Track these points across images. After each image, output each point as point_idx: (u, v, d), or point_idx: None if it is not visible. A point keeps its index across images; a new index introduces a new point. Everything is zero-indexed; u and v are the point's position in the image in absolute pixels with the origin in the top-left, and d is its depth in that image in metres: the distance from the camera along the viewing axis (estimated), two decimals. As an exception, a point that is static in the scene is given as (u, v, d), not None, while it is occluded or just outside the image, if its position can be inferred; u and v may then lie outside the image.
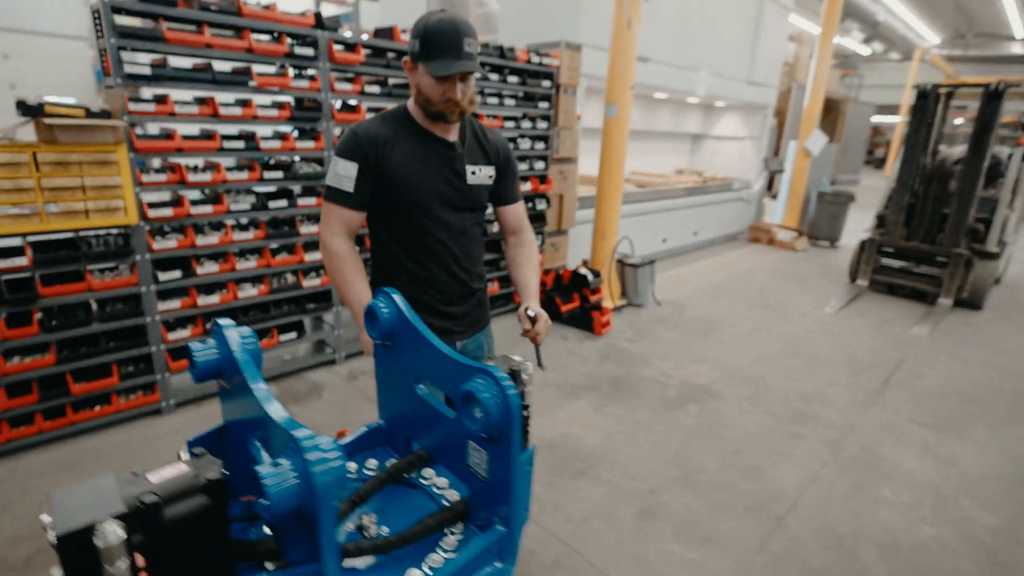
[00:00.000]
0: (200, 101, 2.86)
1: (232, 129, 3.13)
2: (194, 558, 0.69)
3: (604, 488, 2.53)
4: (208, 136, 2.94)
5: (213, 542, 0.70)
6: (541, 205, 4.73)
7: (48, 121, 2.29)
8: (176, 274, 2.92)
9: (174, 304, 2.95)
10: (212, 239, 2.99)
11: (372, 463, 1.11)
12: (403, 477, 1.07)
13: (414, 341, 1.03)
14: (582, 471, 2.65)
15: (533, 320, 1.56)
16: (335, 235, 1.50)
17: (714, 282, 6.15)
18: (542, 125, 4.54)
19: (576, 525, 2.28)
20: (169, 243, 2.85)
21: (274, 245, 3.27)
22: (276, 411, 0.73)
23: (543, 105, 4.51)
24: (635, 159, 7.67)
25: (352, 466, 1.09)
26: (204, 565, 0.69)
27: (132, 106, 2.58)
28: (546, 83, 4.44)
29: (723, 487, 2.57)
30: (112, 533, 0.61)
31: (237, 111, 2.92)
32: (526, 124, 4.41)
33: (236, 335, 0.88)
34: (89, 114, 2.40)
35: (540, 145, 4.61)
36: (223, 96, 2.94)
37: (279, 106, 3.10)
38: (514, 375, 1.04)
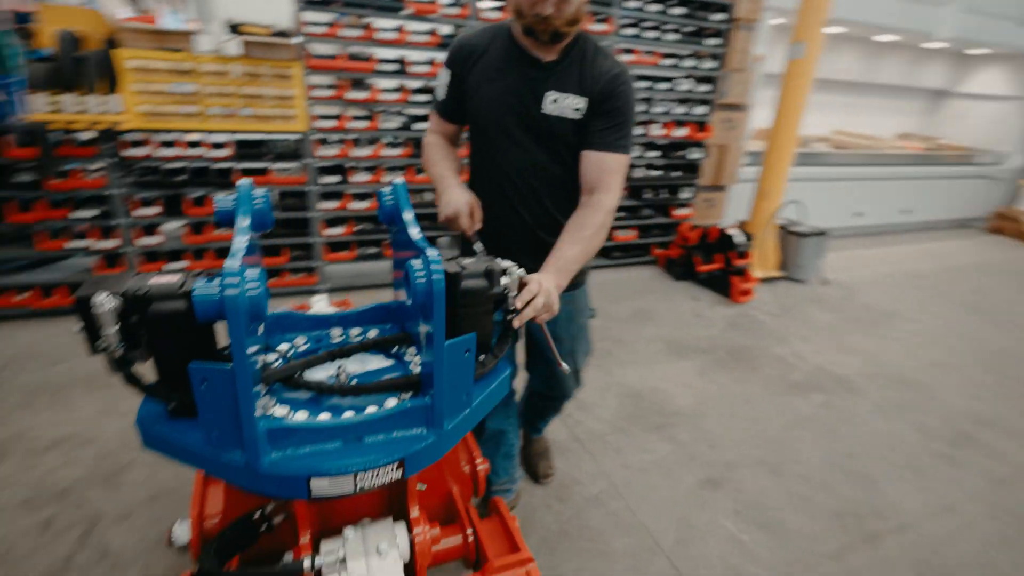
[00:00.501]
0: (361, 27, 3.18)
1: (389, 54, 3.43)
2: (173, 345, 0.86)
3: (675, 447, 2.40)
4: (365, 58, 3.27)
5: (187, 336, 0.86)
6: (696, 154, 4.35)
7: (243, 38, 2.77)
8: (335, 179, 3.39)
9: (331, 205, 3.45)
10: (365, 151, 3.38)
11: (373, 333, 1.23)
12: (390, 350, 1.17)
13: (402, 228, 1.09)
14: (659, 426, 2.54)
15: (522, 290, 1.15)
16: (429, 133, 1.57)
17: (913, 271, 5.10)
18: (709, 65, 4.10)
19: (632, 472, 2.23)
20: (330, 151, 3.31)
21: (418, 163, 3.58)
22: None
23: (712, 42, 4.05)
24: (843, 115, 6.53)
25: (355, 331, 1.23)
26: (181, 352, 0.86)
27: (305, 28, 2.99)
28: (719, 16, 3.96)
29: (816, 484, 2.25)
30: (101, 304, 0.81)
31: (393, 36, 3.19)
32: (689, 63, 4.03)
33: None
34: (273, 33, 2.84)
35: (704, 87, 4.19)
36: (382, 22, 3.22)
37: (430, 33, 3.30)
38: (490, 274, 1.05)
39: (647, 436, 2.47)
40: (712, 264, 4.22)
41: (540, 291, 1.15)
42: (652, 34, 3.86)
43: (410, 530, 0.99)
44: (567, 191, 1.45)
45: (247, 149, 3.16)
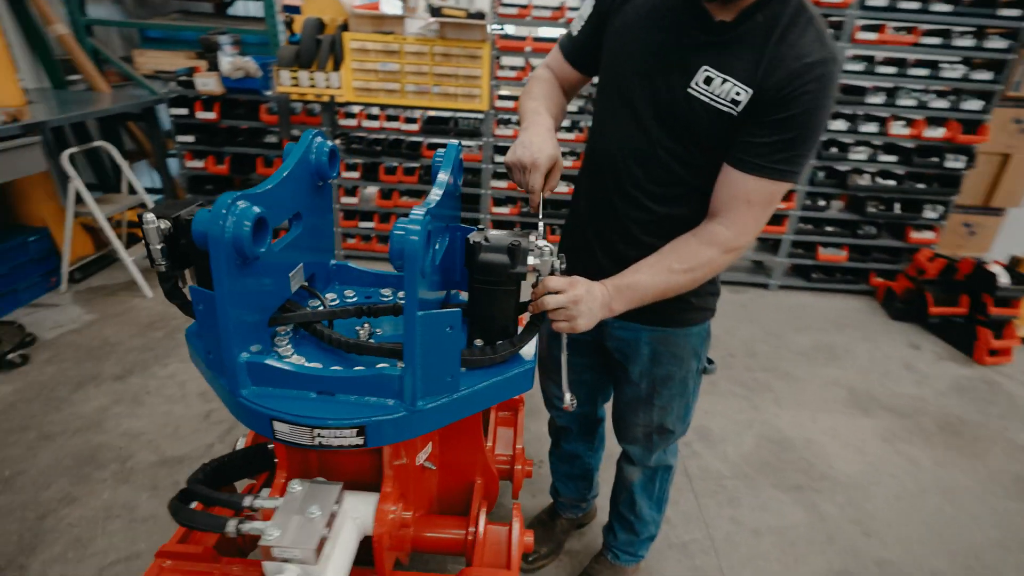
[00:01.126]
0: (555, 8, 3.15)
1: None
2: (206, 270, 0.95)
3: (813, 519, 1.92)
4: (554, 40, 3.24)
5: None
6: (956, 163, 3.35)
7: (442, 20, 2.98)
8: (508, 160, 3.49)
9: (502, 184, 3.56)
10: (539, 135, 3.39)
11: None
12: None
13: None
14: (798, 487, 2.06)
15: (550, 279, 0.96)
16: (541, 67, 1.26)
17: None
18: (996, 45, 3.09)
19: (741, 531, 1.85)
20: (509, 131, 3.40)
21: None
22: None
23: (1011, 13, 3.03)
24: None
25: (387, 291, 1.23)
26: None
27: (500, 9, 3.08)
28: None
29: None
30: (149, 223, 0.93)
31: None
32: (965, 42, 3.09)
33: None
34: (468, 15, 3.00)
35: (983, 75, 3.18)
36: (573, 1, 3.16)
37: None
38: (513, 250, 0.93)
39: (777, 494, 2.02)
40: (953, 307, 3.25)
41: (568, 290, 0.94)
42: (912, 3, 3.05)
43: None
44: (689, 203, 1.07)
45: (434, 125, 3.43)
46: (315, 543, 0.77)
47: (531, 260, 0.96)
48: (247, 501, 0.86)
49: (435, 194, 0.94)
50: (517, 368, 0.99)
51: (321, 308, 1.08)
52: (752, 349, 3.01)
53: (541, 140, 1.06)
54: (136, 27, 4.06)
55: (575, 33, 1.17)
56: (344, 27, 3.20)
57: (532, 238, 0.98)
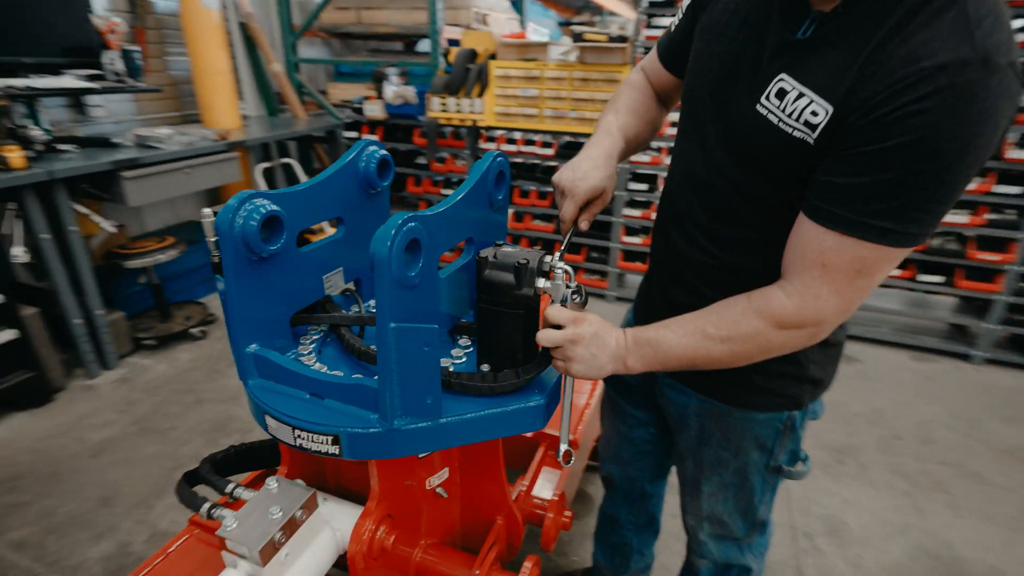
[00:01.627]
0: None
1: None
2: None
3: None
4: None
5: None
6: None
7: (583, 45, 2.96)
8: (643, 187, 3.30)
9: (635, 212, 3.38)
10: (679, 161, 3.15)
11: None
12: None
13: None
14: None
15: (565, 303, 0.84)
16: (635, 70, 1.11)
17: None
18: None
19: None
20: (643, 158, 3.22)
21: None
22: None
23: None
24: None
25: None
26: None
27: (645, 31, 2.95)
28: None
29: None
30: (206, 217, 1.02)
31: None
32: None
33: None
34: (610, 39, 2.93)
35: None
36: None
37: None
38: (520, 270, 0.83)
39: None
40: None
41: (570, 327, 0.81)
42: None
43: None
44: (761, 255, 0.82)
45: (569, 150, 3.40)
46: (262, 543, 0.75)
47: (540, 283, 0.85)
48: (229, 488, 0.87)
49: (444, 202, 0.88)
50: (519, 403, 0.88)
51: (352, 313, 1.08)
52: (929, 434, 2.38)
53: (591, 166, 0.96)
54: (332, 63, 4.76)
55: (672, 29, 1.00)
56: (493, 56, 3.36)
57: (550, 259, 0.87)
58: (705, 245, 0.90)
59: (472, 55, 3.42)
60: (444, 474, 1.08)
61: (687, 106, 0.93)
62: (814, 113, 0.69)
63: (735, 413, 0.96)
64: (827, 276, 0.71)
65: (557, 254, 0.90)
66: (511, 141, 3.49)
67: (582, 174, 0.94)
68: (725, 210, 0.86)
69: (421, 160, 3.84)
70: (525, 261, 0.83)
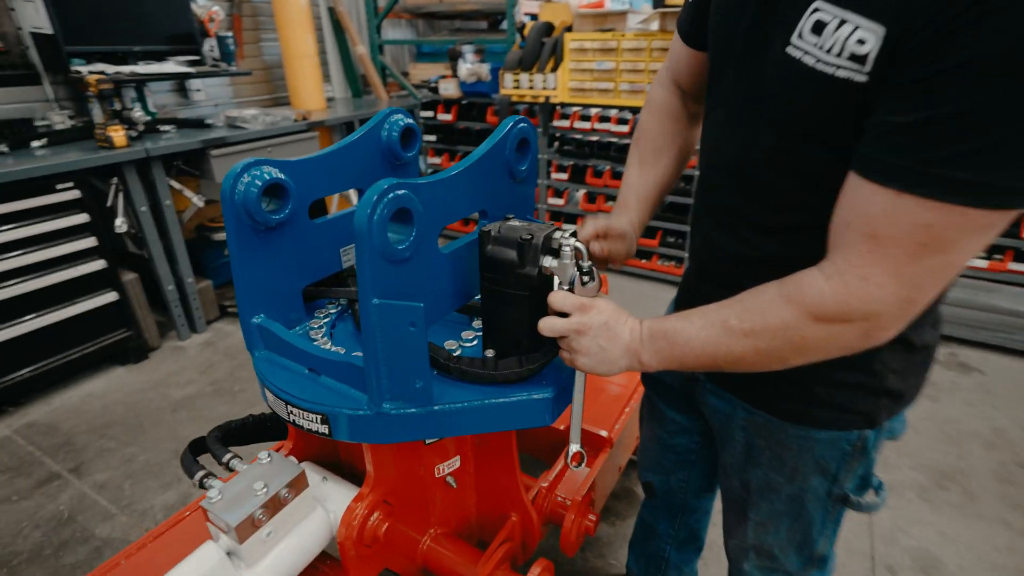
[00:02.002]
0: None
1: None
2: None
3: None
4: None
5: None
6: None
7: (664, 10, 2.73)
8: (727, 167, 3.02)
9: (717, 196, 3.11)
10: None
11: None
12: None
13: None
14: None
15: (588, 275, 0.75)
16: (653, 86, 1.00)
17: None
18: None
19: None
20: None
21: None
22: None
23: None
24: None
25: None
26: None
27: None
28: None
29: None
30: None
31: None
32: None
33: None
34: (695, 2, 2.67)
35: None
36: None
37: None
38: (523, 246, 0.74)
39: None
40: None
41: (576, 314, 0.72)
42: None
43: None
44: (815, 243, 0.64)
45: (648, 127, 3.19)
46: (239, 519, 0.73)
47: (546, 262, 0.75)
48: (226, 457, 0.87)
49: (448, 170, 0.80)
50: (523, 394, 0.80)
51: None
52: (1064, 463, 1.99)
53: (617, 221, 0.93)
54: (414, 43, 4.81)
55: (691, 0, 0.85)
56: (569, 29, 3.21)
57: (560, 234, 0.77)
58: (745, 235, 0.75)
59: (547, 28, 3.29)
60: (455, 462, 1.03)
61: (711, 74, 0.79)
62: (861, 41, 0.52)
63: (790, 430, 0.80)
64: (879, 251, 0.54)
65: (569, 229, 0.79)
66: (585, 118, 3.33)
67: (604, 217, 0.93)
68: (764, 190, 0.70)
69: (494, 139, 3.78)
70: (529, 236, 0.74)
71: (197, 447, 0.93)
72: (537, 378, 0.83)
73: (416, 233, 0.73)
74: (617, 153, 3.33)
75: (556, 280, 0.76)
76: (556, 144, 3.57)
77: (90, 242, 2.35)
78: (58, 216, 2.23)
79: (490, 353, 0.83)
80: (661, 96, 0.97)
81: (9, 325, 2.16)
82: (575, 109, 3.40)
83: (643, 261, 3.47)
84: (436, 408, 0.78)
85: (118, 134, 2.33)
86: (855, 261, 0.56)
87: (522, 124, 0.92)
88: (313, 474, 0.93)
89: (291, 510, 0.81)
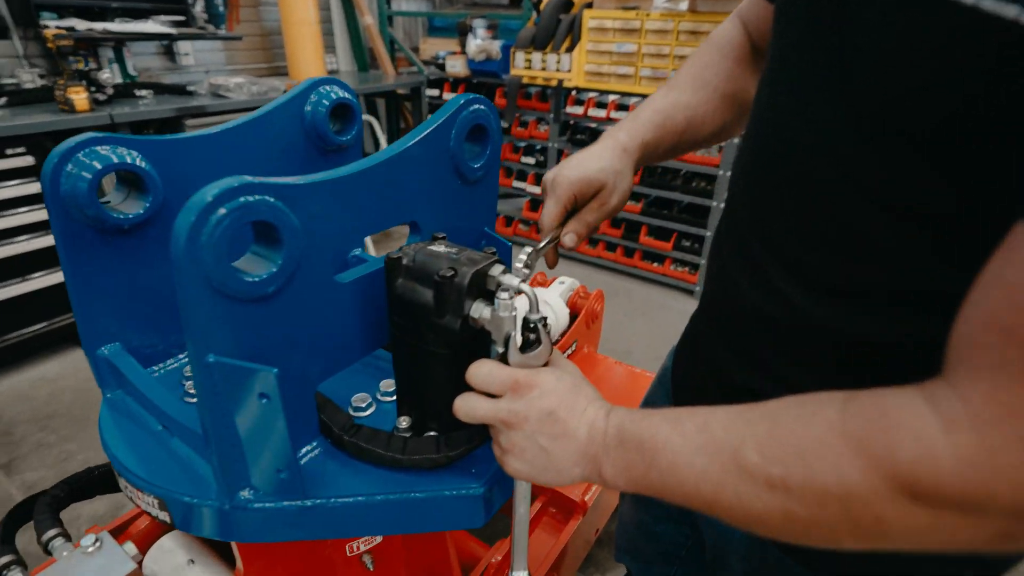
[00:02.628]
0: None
1: None
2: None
3: None
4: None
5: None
6: None
7: (695, -13, 2.43)
8: (754, 168, 2.73)
9: (740, 198, 2.82)
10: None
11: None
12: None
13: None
14: None
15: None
16: (726, 20, 0.76)
17: None
18: None
19: None
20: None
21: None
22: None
23: None
24: None
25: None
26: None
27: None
28: None
29: None
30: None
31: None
32: None
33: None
34: (730, -22, 2.37)
35: None
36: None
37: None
38: (441, 287, 0.50)
39: None
40: None
41: (509, 395, 0.48)
42: None
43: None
44: (899, 316, 0.42)
45: (669, 118, 2.90)
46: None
47: (475, 310, 0.51)
48: (48, 535, 0.65)
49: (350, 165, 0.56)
50: (439, 487, 0.57)
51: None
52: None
53: (586, 156, 0.67)
54: (426, 16, 4.53)
55: None
56: (589, 5, 2.91)
57: (498, 271, 0.52)
58: (787, 289, 0.48)
59: (565, 4, 3.00)
60: (376, 539, 0.80)
61: (775, 41, 0.52)
62: None
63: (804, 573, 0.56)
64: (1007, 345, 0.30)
65: (517, 263, 0.55)
66: (601, 105, 3.05)
67: (572, 164, 0.66)
68: (831, 223, 0.44)
69: (504, 124, 3.52)
70: (450, 272, 0.50)
71: (17, 518, 0.71)
72: (466, 461, 0.60)
73: (285, 259, 0.49)
74: (633, 145, 3.05)
75: (493, 337, 0.52)
76: (568, 132, 3.29)
77: (44, 214, 2.16)
78: (7, 184, 2.03)
79: (404, 423, 0.60)
80: (727, 33, 0.73)
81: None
82: (591, 95, 3.12)
83: (655, 265, 3.20)
84: (313, 504, 0.55)
85: (79, 96, 2.12)
86: (1006, 387, 0.30)
87: (476, 106, 0.67)
88: (177, 554, 0.72)
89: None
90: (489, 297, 0.52)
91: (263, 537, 0.56)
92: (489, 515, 0.60)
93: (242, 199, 0.46)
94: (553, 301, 1.39)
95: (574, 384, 0.49)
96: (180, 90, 2.69)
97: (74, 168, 0.59)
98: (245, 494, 0.54)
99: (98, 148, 0.60)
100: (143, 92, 2.57)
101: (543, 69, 2.98)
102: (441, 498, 0.57)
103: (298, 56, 3.42)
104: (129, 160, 0.62)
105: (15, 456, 1.80)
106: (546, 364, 0.51)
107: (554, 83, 3.01)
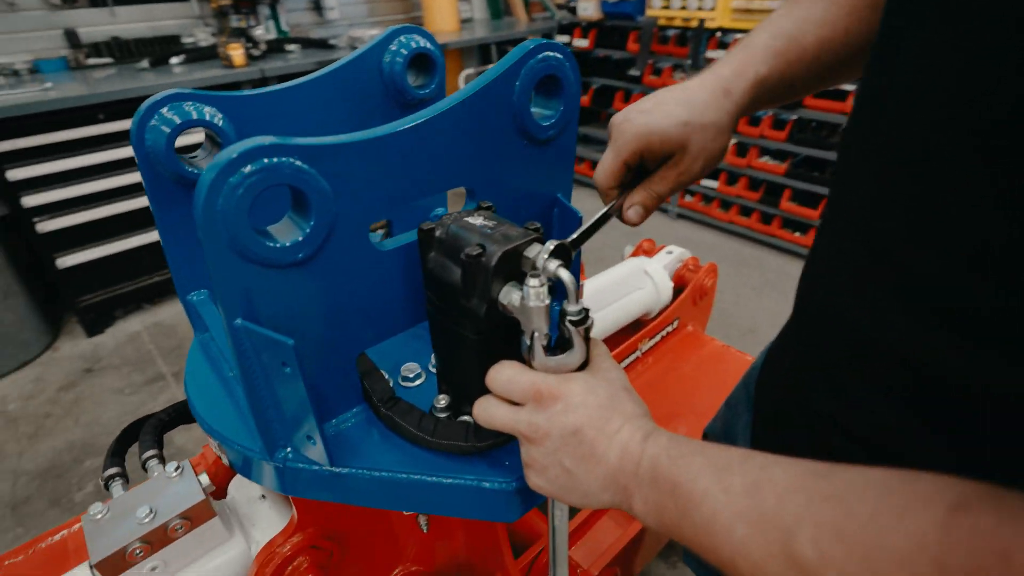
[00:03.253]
0: None
1: None
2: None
3: None
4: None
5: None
6: None
7: None
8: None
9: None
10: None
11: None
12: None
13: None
14: None
15: None
16: None
17: None
18: None
19: None
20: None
21: None
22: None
23: None
24: None
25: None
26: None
27: None
28: None
29: None
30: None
31: None
32: None
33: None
34: None
35: None
36: None
37: None
38: (470, 266, 0.45)
39: None
40: None
41: (530, 407, 0.43)
42: None
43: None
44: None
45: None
46: (106, 551, 0.59)
47: (505, 295, 0.45)
48: (148, 454, 0.74)
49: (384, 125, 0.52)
50: (468, 475, 0.53)
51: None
52: None
53: (664, 99, 0.54)
54: (565, -43, 4.27)
55: None
56: (748, -71, 2.52)
57: (536, 251, 0.45)
58: (900, 311, 0.35)
59: (718, -70, 2.62)
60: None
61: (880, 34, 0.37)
62: None
63: None
64: None
65: (544, 254, 0.47)
66: (749, 49, 2.67)
67: (645, 108, 0.53)
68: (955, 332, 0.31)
69: (635, 71, 3.26)
70: (477, 251, 0.44)
71: (129, 435, 0.81)
72: (502, 451, 0.55)
73: (315, 224, 0.47)
74: (784, 95, 2.66)
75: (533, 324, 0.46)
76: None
77: (210, 160, 2.46)
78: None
79: (442, 401, 0.57)
80: None
81: (150, 229, 2.36)
82: (737, 36, 2.74)
83: (796, 234, 2.83)
84: (341, 472, 0.55)
85: (236, 52, 2.34)
86: None
87: (548, 52, 0.58)
88: (253, 487, 0.78)
89: (190, 542, 0.66)
90: (515, 281, 0.45)
91: (302, 493, 0.58)
92: (524, 511, 0.56)
93: (266, 160, 0.43)
94: (655, 273, 1.27)
95: (609, 397, 0.41)
96: (323, 44, 2.85)
97: (157, 122, 0.61)
98: (284, 452, 0.55)
99: (183, 104, 0.63)
100: (292, 47, 2.76)
101: (683, 8, 2.67)
102: (471, 487, 0.54)
103: (433, 5, 3.45)
104: (207, 117, 0.64)
105: (183, 367, 2.15)
106: (585, 365, 0.44)
107: (695, 24, 2.69)
